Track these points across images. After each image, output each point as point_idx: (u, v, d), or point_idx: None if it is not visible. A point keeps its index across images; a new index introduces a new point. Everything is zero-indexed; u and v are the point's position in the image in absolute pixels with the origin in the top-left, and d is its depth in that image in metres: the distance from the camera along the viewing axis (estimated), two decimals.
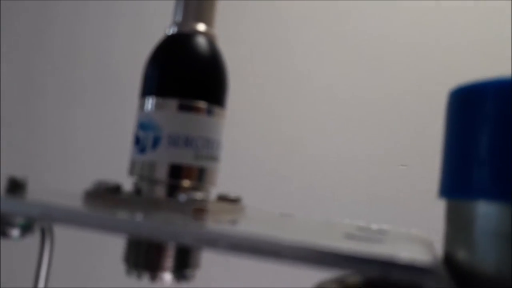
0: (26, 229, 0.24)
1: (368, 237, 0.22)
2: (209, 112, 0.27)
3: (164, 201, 0.25)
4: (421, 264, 0.17)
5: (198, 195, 0.25)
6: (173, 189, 0.27)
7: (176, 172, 0.26)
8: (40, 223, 0.25)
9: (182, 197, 0.25)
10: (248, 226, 0.21)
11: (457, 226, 0.24)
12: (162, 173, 0.27)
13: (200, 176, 0.27)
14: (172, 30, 0.29)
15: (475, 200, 0.23)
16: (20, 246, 0.98)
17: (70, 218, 0.21)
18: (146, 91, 0.28)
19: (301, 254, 0.17)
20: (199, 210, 0.24)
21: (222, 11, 0.31)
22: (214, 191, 0.29)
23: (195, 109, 0.27)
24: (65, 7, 1.11)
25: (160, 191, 0.27)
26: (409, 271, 0.17)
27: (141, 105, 0.28)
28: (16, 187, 0.24)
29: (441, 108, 0.26)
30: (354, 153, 0.85)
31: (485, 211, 0.22)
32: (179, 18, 0.29)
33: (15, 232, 0.23)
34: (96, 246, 0.94)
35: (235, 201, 0.29)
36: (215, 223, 0.21)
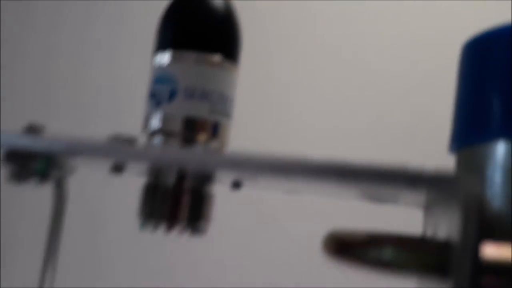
0: (44, 175, 0.24)
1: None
2: (223, 67, 0.28)
3: (180, 150, 0.26)
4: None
5: (214, 145, 0.25)
6: (188, 142, 0.27)
7: (192, 125, 0.27)
8: (57, 172, 0.25)
9: (198, 148, 0.25)
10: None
11: (469, 166, 0.24)
12: (177, 125, 0.27)
13: (214, 131, 0.27)
14: None
15: (493, 141, 0.23)
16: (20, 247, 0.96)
17: (95, 151, 0.22)
18: (162, 45, 0.28)
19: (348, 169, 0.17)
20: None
21: None
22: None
23: (211, 63, 0.27)
24: None
25: (175, 144, 0.27)
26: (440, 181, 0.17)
27: (156, 60, 0.28)
28: (34, 130, 0.24)
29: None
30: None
31: (504, 151, 0.23)
32: None
33: (33, 178, 0.23)
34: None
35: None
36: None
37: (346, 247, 0.23)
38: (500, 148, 0.23)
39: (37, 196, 0.89)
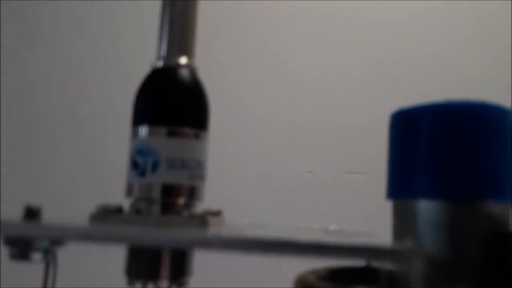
0: (46, 252, 0.26)
1: (340, 233, 0.28)
2: (197, 136, 0.32)
3: (170, 218, 0.29)
4: (401, 248, 0.23)
5: (197, 210, 0.29)
6: (167, 206, 0.31)
7: (173, 191, 0.30)
8: (58, 245, 0.27)
9: (185, 213, 0.29)
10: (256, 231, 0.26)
11: (405, 220, 0.31)
12: (158, 192, 0.30)
13: (192, 194, 0.31)
14: (158, 64, 0.32)
15: (417, 199, 0.30)
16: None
17: (90, 236, 0.24)
18: (139, 120, 0.31)
19: (311, 248, 0.22)
20: (203, 223, 0.28)
21: None
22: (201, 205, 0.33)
23: (185, 135, 0.31)
24: None
25: (156, 209, 0.31)
26: (393, 255, 0.23)
27: (135, 133, 0.31)
28: (32, 213, 0.26)
29: None
30: None
31: (426, 207, 0.29)
32: (163, 52, 0.33)
33: (37, 256, 0.25)
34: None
35: (217, 214, 0.33)
36: (229, 229, 0.25)
37: None
38: (423, 205, 0.29)
39: None
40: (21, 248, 0.25)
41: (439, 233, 0.29)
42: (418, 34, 0.97)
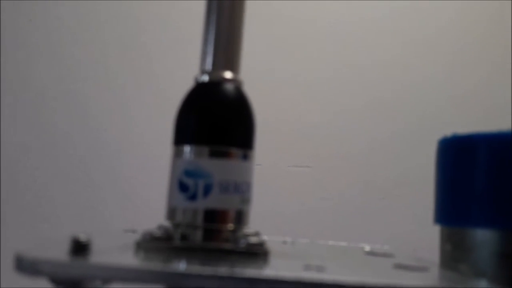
0: None
1: (411, 266, 0.27)
2: (245, 156, 0.29)
3: (225, 248, 0.27)
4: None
5: (254, 239, 0.27)
6: (212, 232, 0.28)
7: (226, 217, 0.28)
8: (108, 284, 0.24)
9: (242, 242, 0.26)
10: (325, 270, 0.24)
11: (460, 248, 0.30)
12: (206, 218, 0.28)
13: (239, 219, 0.29)
14: (202, 78, 0.30)
15: (474, 227, 0.29)
16: None
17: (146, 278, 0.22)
18: (183, 139, 0.29)
19: None
20: (264, 253, 0.26)
21: None
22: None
23: (234, 155, 0.29)
24: None
25: (199, 236, 0.28)
26: None
27: (178, 152, 0.29)
28: (80, 248, 0.23)
29: None
30: None
31: (485, 237, 0.29)
32: (208, 67, 0.30)
33: None
34: None
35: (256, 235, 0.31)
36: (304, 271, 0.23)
37: None
38: (482, 234, 0.29)
39: None
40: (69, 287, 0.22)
41: (501, 263, 0.28)
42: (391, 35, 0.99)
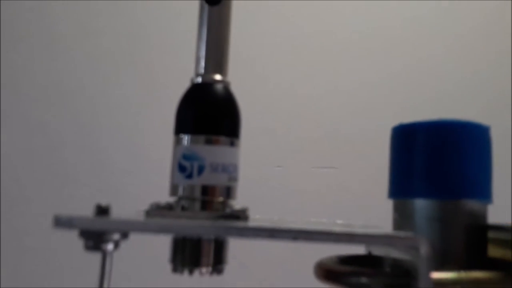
0: (117, 244, 0.30)
1: (361, 226, 0.34)
2: (232, 143, 0.37)
3: (216, 214, 0.34)
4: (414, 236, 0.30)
5: (238, 207, 0.34)
6: (207, 203, 0.36)
7: (215, 192, 0.35)
8: (124, 238, 0.31)
9: (228, 210, 0.34)
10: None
11: (404, 215, 0.37)
12: (201, 192, 0.35)
13: (228, 193, 0.36)
14: (196, 80, 0.37)
15: (415, 198, 0.36)
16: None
17: (163, 229, 0.29)
18: (182, 129, 0.36)
19: (344, 235, 0.28)
20: (245, 218, 0.34)
21: None
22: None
23: (222, 142, 0.36)
24: None
25: (197, 206, 0.35)
26: (408, 241, 0.29)
27: (178, 141, 0.36)
28: (102, 211, 0.30)
29: None
30: None
31: (421, 205, 0.36)
32: (201, 70, 0.37)
33: (109, 246, 0.30)
34: None
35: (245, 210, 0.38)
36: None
37: (335, 275, 0.34)
38: (419, 203, 0.36)
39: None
40: (95, 240, 0.29)
41: (432, 225, 0.36)
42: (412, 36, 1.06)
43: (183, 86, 0.37)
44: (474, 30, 1.10)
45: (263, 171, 1.03)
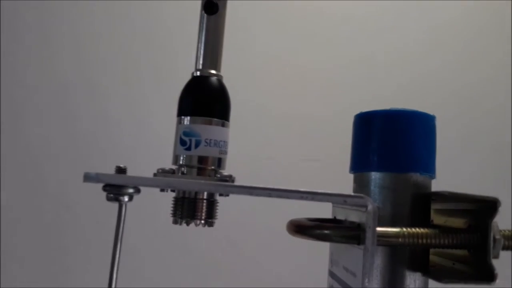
0: (131, 197, 0.39)
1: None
2: (223, 124, 0.46)
3: (208, 177, 0.43)
4: (364, 196, 0.38)
5: (225, 173, 0.43)
6: (202, 170, 0.45)
7: (208, 161, 0.44)
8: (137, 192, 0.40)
9: (218, 175, 0.43)
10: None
11: (361, 185, 0.46)
12: (196, 162, 0.44)
13: (219, 164, 0.45)
14: (196, 73, 0.46)
15: (370, 172, 0.45)
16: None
17: (168, 184, 0.38)
18: (183, 112, 0.45)
19: (308, 193, 0.37)
20: (232, 180, 0.43)
21: None
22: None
23: (215, 123, 0.45)
24: None
25: (194, 172, 0.44)
26: (359, 199, 0.38)
27: (180, 121, 0.45)
28: (121, 170, 0.39)
29: None
30: None
31: (375, 177, 0.45)
32: (200, 66, 0.46)
33: (125, 198, 0.39)
34: None
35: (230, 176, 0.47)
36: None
37: (303, 228, 0.43)
38: (373, 175, 0.45)
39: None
40: (114, 193, 0.38)
41: (383, 193, 0.44)
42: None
43: (185, 78, 0.46)
44: (474, 30, 1.19)
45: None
